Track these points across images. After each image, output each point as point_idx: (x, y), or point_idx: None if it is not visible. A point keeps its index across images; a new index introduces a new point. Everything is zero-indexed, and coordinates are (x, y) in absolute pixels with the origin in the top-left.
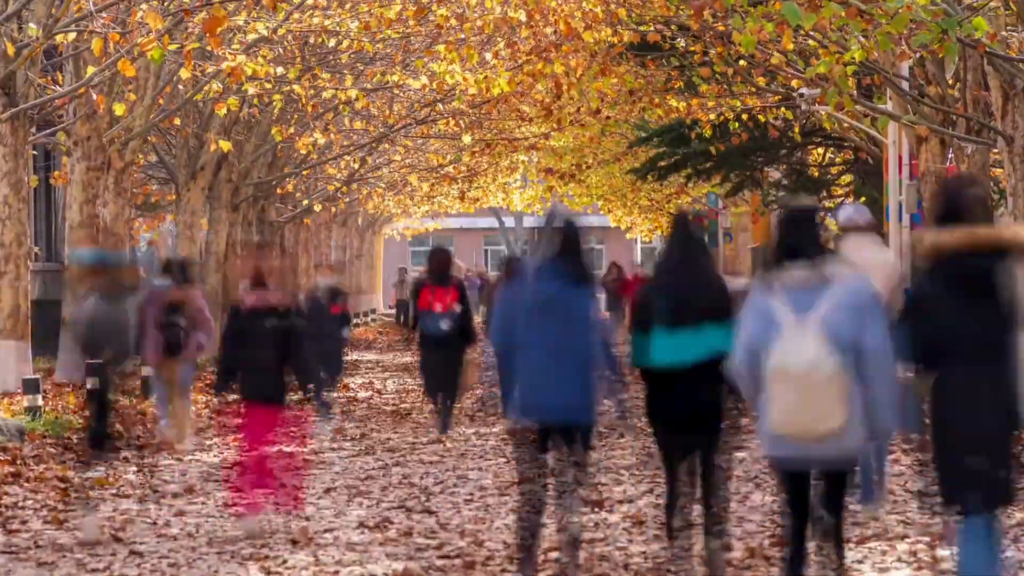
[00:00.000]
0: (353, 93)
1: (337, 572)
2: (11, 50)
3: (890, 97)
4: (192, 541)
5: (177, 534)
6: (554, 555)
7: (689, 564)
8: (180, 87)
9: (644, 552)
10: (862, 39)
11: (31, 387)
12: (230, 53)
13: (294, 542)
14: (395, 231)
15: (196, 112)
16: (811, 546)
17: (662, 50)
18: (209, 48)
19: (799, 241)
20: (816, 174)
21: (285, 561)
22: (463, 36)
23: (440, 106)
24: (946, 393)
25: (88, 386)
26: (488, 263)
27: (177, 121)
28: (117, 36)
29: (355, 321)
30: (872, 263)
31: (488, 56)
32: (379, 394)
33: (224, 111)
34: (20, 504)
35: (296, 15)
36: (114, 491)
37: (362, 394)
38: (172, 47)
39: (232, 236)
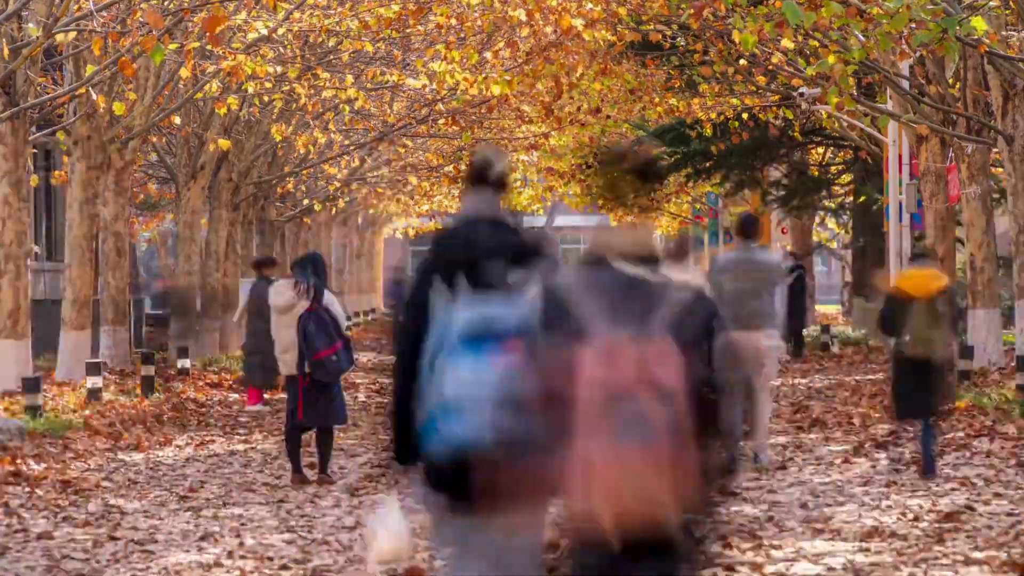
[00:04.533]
0: (353, 92)
1: (336, 572)
2: (10, 50)
3: (890, 96)
4: (192, 538)
5: (179, 531)
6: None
7: None
8: (180, 86)
9: None
10: (862, 38)
11: (31, 386)
12: (230, 52)
13: (288, 542)
14: (395, 230)
15: (196, 111)
16: None
17: (662, 49)
18: (209, 47)
19: None
20: (816, 173)
21: (283, 561)
22: (463, 36)
23: (440, 105)
24: None
25: None
26: None
27: (177, 120)
28: (117, 35)
29: (355, 320)
30: None
31: (488, 55)
32: (379, 394)
33: (224, 110)
34: (22, 504)
35: (296, 14)
36: (116, 492)
37: (361, 396)
38: (172, 47)
39: (232, 235)
